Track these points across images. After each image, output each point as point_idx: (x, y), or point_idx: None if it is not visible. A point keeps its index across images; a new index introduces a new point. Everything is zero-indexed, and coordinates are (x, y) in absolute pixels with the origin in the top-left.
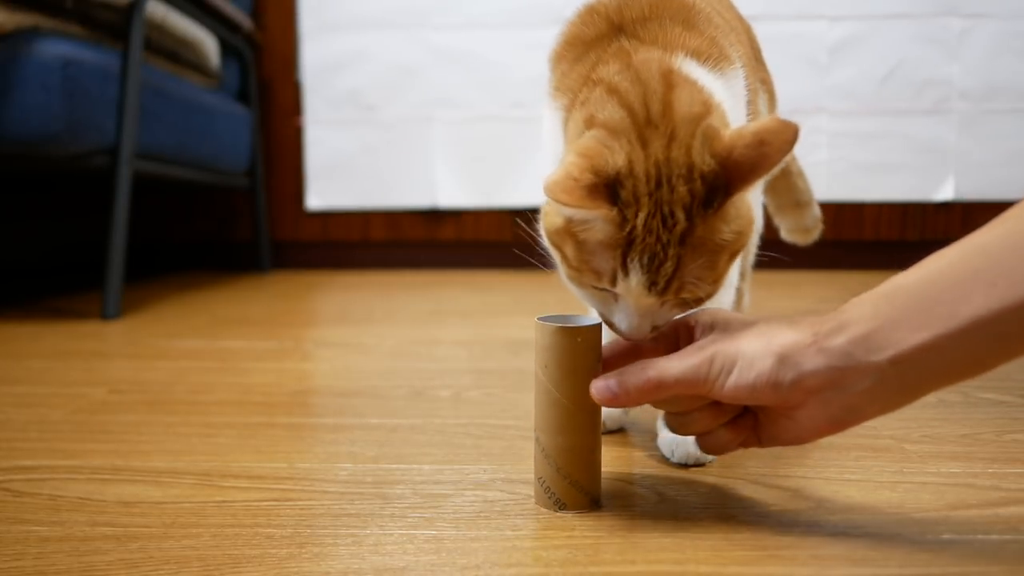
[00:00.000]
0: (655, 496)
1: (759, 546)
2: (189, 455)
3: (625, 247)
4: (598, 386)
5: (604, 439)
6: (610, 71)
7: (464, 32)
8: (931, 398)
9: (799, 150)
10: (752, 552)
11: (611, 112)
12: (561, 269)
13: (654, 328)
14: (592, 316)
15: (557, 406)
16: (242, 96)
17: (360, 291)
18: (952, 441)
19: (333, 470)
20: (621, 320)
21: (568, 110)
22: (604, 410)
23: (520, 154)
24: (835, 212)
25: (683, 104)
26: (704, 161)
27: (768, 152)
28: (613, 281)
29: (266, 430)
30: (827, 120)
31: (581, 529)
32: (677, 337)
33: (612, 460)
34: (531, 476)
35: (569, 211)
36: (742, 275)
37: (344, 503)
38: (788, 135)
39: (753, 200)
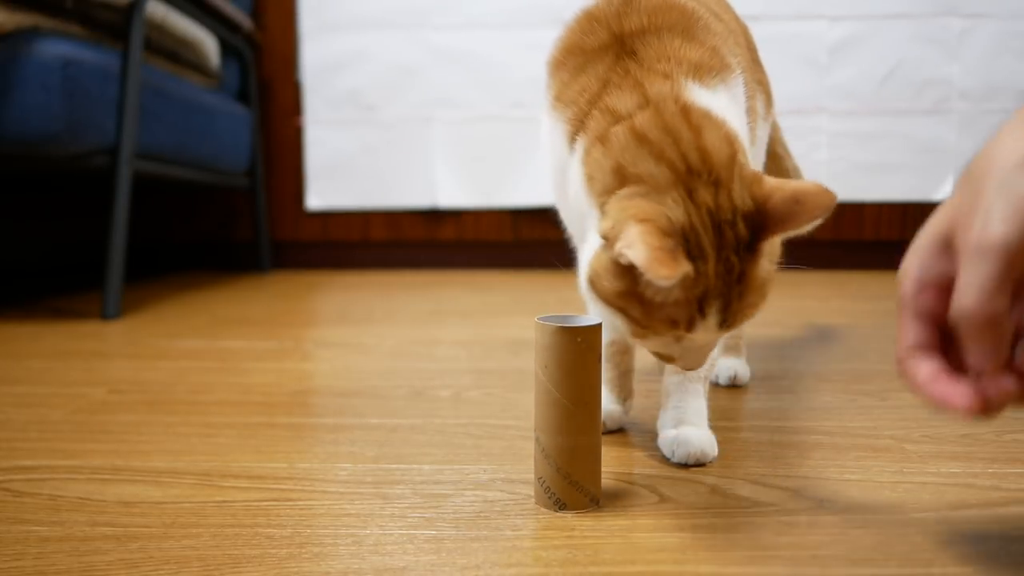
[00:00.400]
0: (655, 496)
1: (759, 546)
2: (189, 455)
3: (702, 297)
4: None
5: (604, 439)
6: (627, 106)
7: (464, 32)
8: None
9: (799, 150)
10: (752, 552)
11: (648, 166)
12: (625, 327)
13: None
14: (592, 316)
15: (557, 406)
16: (242, 96)
17: (360, 291)
18: (952, 441)
19: (333, 470)
20: (687, 358)
21: (574, 126)
22: (604, 410)
23: (520, 154)
24: (835, 212)
25: (716, 148)
26: (745, 203)
27: (801, 211)
28: (690, 327)
29: (266, 430)
30: (827, 120)
31: (581, 529)
32: None
33: (612, 460)
34: (531, 476)
35: (661, 281)
36: None
37: (344, 503)
38: (825, 201)
39: None
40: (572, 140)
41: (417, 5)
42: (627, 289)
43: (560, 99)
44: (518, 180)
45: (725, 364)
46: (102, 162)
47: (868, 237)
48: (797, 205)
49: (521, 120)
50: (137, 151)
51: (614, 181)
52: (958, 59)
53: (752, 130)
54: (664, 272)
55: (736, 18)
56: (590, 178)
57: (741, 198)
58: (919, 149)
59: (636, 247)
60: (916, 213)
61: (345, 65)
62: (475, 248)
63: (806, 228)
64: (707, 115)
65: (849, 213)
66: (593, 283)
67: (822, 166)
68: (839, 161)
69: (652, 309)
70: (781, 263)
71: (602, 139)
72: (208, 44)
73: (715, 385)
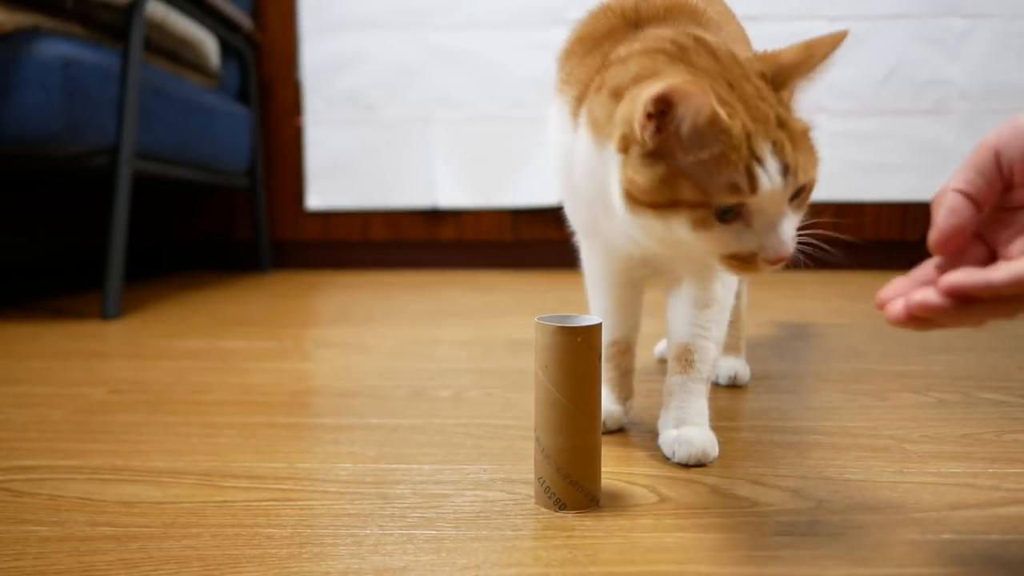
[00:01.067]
0: (655, 496)
1: (759, 546)
2: (189, 455)
3: (748, 140)
4: (944, 286)
5: (604, 439)
6: (632, 46)
7: (464, 32)
8: (931, 398)
9: None
10: (752, 552)
11: (647, 60)
12: (683, 230)
13: (792, 241)
14: (592, 316)
15: (557, 406)
16: (242, 96)
17: (360, 291)
18: (952, 441)
19: (333, 470)
20: (770, 238)
21: (579, 100)
22: (604, 410)
23: (520, 154)
24: (835, 212)
25: (718, 43)
26: (753, 66)
27: (814, 52)
28: (753, 180)
29: (266, 430)
30: (827, 120)
31: (581, 529)
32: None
33: (612, 460)
34: (531, 476)
35: (695, 102)
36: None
37: (344, 503)
38: (835, 38)
39: None
40: (576, 115)
41: (417, 5)
42: (668, 171)
43: (566, 81)
44: (518, 180)
45: (725, 364)
46: (102, 162)
47: (868, 237)
48: (810, 48)
49: (521, 120)
50: (137, 151)
51: (614, 102)
52: (958, 59)
53: None
54: (698, 94)
55: (741, 29)
56: (594, 122)
57: (750, 63)
58: (919, 149)
59: (658, 83)
60: (916, 213)
61: (345, 65)
62: (475, 248)
63: (821, 67)
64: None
65: (849, 213)
66: (631, 194)
67: (822, 166)
68: (839, 161)
69: (704, 176)
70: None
71: (600, 86)
72: (208, 44)
73: (715, 385)
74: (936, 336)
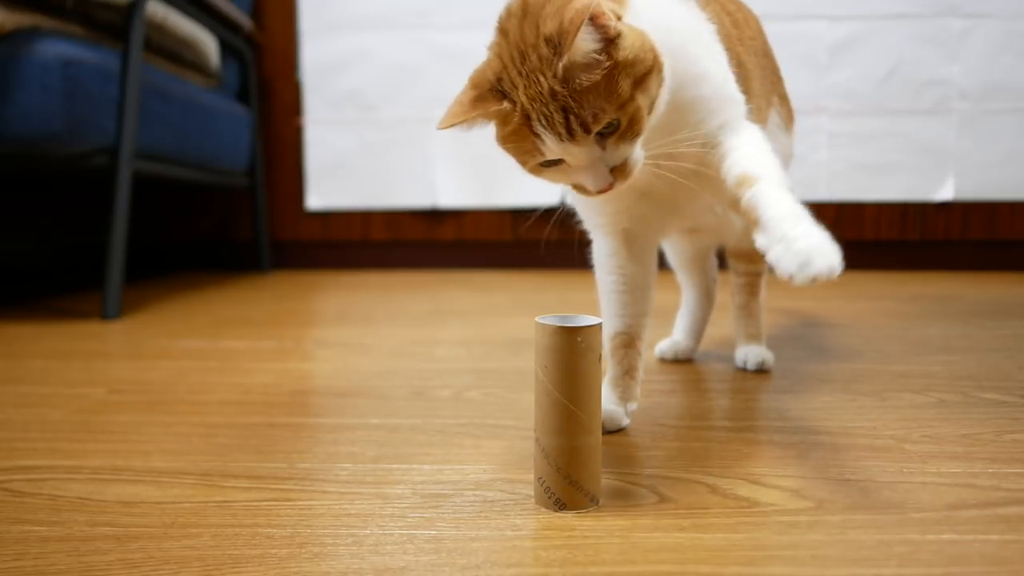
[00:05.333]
0: (655, 496)
1: (759, 546)
2: (189, 455)
3: (527, 121)
4: None
5: (604, 439)
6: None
7: (464, 32)
8: (931, 398)
9: (799, 150)
10: (752, 552)
11: (501, 28)
12: (525, 172)
13: (614, 170)
14: (592, 316)
15: (557, 406)
16: (242, 96)
17: (360, 291)
18: (952, 441)
19: (333, 470)
20: (582, 177)
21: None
22: (604, 411)
23: None
24: (835, 212)
25: (554, 2)
26: (547, 27)
27: (569, 29)
28: (540, 151)
29: (266, 430)
30: (827, 120)
31: (581, 529)
32: None
33: (612, 460)
34: (531, 476)
35: (466, 125)
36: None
37: (344, 503)
38: (579, 18)
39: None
40: None
41: (417, 5)
42: (497, 139)
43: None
44: (518, 180)
45: (752, 352)
46: (102, 162)
47: (868, 237)
48: (570, 24)
49: None
50: (137, 151)
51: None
52: (958, 59)
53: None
54: (451, 120)
55: (762, 34)
56: None
57: (546, 24)
58: (919, 149)
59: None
60: (916, 213)
61: (345, 65)
62: (475, 248)
63: (576, 46)
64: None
65: (849, 213)
66: (442, 123)
67: (822, 166)
68: (839, 161)
69: (515, 146)
70: None
71: None
72: (208, 44)
73: (743, 371)
74: (936, 336)
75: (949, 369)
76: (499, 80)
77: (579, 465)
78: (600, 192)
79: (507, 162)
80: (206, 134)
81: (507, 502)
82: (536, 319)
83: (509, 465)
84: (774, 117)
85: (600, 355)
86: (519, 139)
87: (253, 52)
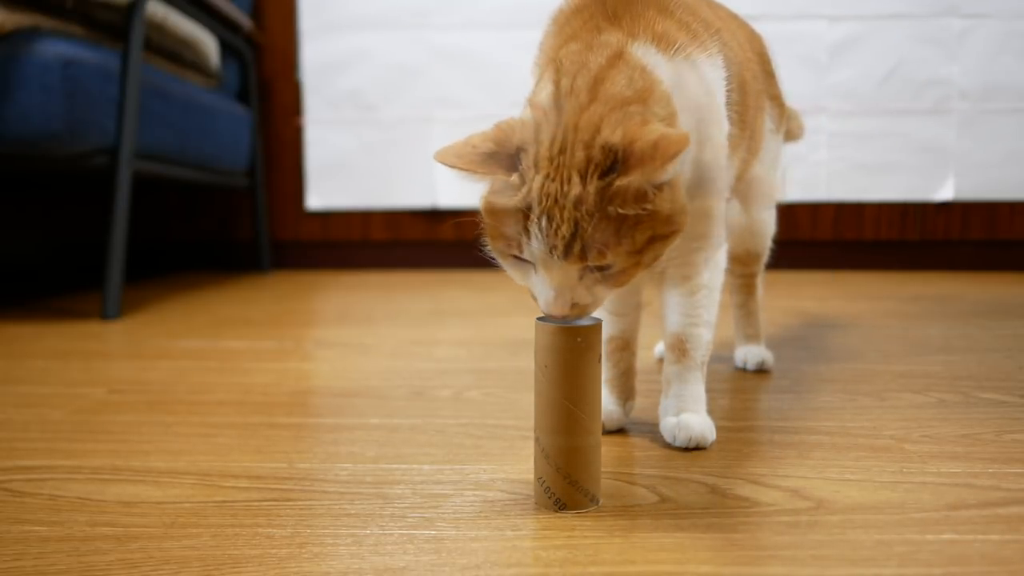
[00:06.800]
0: (655, 496)
1: (759, 546)
2: (189, 455)
3: (526, 210)
4: None
5: (604, 439)
6: (570, 50)
7: (464, 32)
8: (931, 398)
9: (800, 149)
10: (752, 552)
11: (542, 88)
12: (488, 243)
13: (575, 306)
14: (592, 316)
15: (557, 406)
16: (242, 96)
17: (360, 291)
18: (952, 441)
19: (333, 470)
20: (539, 292)
21: (534, 77)
22: (604, 411)
23: None
24: (835, 212)
25: (615, 84)
26: (613, 134)
27: (656, 156)
28: (519, 247)
29: (266, 430)
30: (827, 120)
31: (581, 529)
32: None
33: (612, 460)
34: (531, 476)
35: (462, 174)
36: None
37: (344, 503)
38: (674, 148)
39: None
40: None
41: (417, 5)
42: (484, 197)
43: (537, 63)
44: None
45: (752, 352)
46: (102, 162)
47: (868, 237)
48: (656, 150)
49: None
50: (137, 151)
51: (527, 105)
52: (958, 59)
53: (740, 119)
54: (453, 161)
55: (750, 33)
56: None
57: (611, 129)
58: (919, 149)
59: (454, 141)
60: (916, 213)
61: (345, 65)
62: (475, 248)
63: (657, 173)
64: (638, 65)
65: (849, 213)
66: (442, 154)
67: (822, 166)
68: (839, 161)
69: (496, 219)
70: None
71: (539, 80)
72: (208, 44)
73: (742, 371)
74: (936, 336)
75: (949, 369)
76: (522, 150)
77: (579, 465)
78: (548, 314)
79: None
80: (206, 134)
81: (507, 502)
82: (536, 319)
83: (509, 465)
84: (767, 123)
85: (600, 355)
86: (504, 220)
87: (253, 52)
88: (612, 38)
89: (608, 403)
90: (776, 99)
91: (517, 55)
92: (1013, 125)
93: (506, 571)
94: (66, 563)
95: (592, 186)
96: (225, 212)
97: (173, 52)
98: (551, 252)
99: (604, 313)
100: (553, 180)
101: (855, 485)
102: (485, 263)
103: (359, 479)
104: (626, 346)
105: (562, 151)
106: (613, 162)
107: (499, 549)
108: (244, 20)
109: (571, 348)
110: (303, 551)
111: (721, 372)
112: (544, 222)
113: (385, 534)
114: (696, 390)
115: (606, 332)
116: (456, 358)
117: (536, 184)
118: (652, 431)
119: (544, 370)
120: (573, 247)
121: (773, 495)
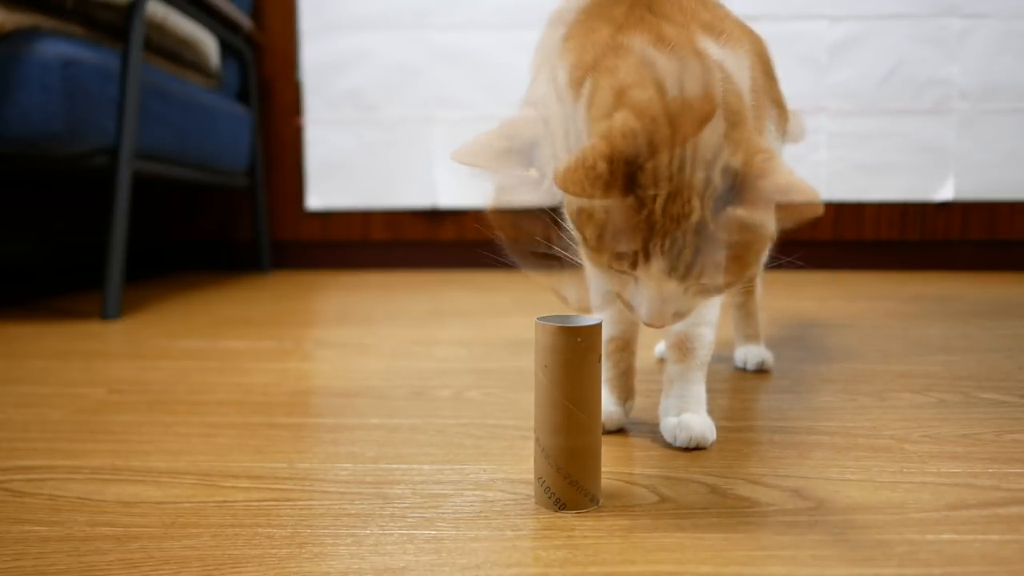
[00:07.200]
0: (655, 496)
1: (759, 546)
2: (189, 455)
3: (646, 232)
4: None
5: (604, 439)
6: (640, 42)
7: (464, 32)
8: (931, 398)
9: (799, 150)
10: (752, 552)
11: (643, 90)
12: (582, 249)
13: (675, 315)
14: (592, 316)
15: (557, 406)
16: (242, 96)
17: (360, 291)
18: (952, 441)
19: (333, 470)
20: (641, 304)
21: (581, 69)
22: (604, 411)
23: None
24: (835, 212)
25: (724, 93)
26: (734, 157)
27: (786, 207)
28: (634, 265)
29: (266, 430)
30: (827, 120)
31: (581, 529)
32: None
33: (612, 460)
34: (531, 476)
35: (583, 200)
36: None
37: (344, 503)
38: (810, 210)
39: None
40: (579, 83)
41: (417, 5)
42: (585, 207)
43: (566, 48)
44: None
45: (751, 352)
46: (102, 162)
47: (868, 237)
48: (784, 196)
49: None
50: (137, 151)
51: (613, 103)
52: (958, 59)
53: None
54: (573, 188)
55: (745, 27)
56: (591, 106)
57: (732, 151)
58: (919, 149)
59: (569, 159)
60: (916, 213)
61: (345, 65)
62: (475, 248)
63: (778, 223)
64: (722, 65)
65: (849, 213)
66: (564, 201)
67: (822, 166)
68: (839, 161)
69: (604, 234)
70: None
71: (611, 70)
72: (208, 44)
73: (742, 371)
74: (936, 336)
75: (949, 369)
76: (640, 166)
77: (579, 465)
78: (648, 324)
79: None
80: (206, 134)
81: (507, 502)
82: (536, 319)
83: (509, 465)
84: (769, 127)
85: (600, 355)
86: (615, 236)
87: (253, 52)
88: (679, 33)
89: (608, 403)
90: (777, 102)
91: (517, 55)
92: (1013, 125)
93: (506, 571)
94: (66, 563)
95: (709, 211)
96: (225, 212)
97: (173, 52)
98: (668, 273)
99: (605, 313)
100: (674, 202)
101: (855, 485)
102: (485, 263)
103: (359, 479)
104: (626, 346)
105: (681, 168)
106: (731, 186)
107: (499, 549)
108: (244, 20)
109: (571, 348)
110: (303, 551)
111: (721, 372)
112: (668, 245)
113: (385, 534)
114: (698, 390)
115: (607, 332)
116: (456, 358)
117: (659, 205)
118: (652, 431)
119: (544, 370)
120: (693, 270)
121: (773, 495)
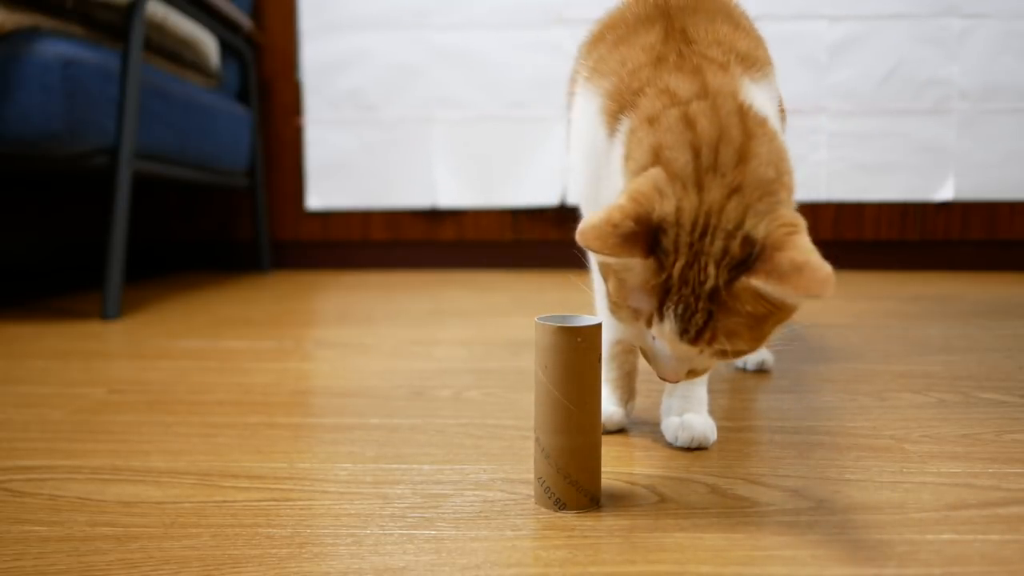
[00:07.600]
0: (655, 496)
1: (759, 546)
2: (189, 455)
3: (662, 294)
4: None
5: (604, 439)
6: (686, 91)
7: (464, 32)
8: (931, 398)
9: (799, 150)
10: (752, 552)
11: (679, 153)
12: (605, 300)
13: (691, 372)
14: (592, 316)
15: (557, 406)
16: (242, 96)
17: (360, 291)
18: (952, 441)
19: (333, 470)
20: (658, 361)
21: (617, 102)
22: (604, 411)
23: (520, 154)
24: (835, 212)
25: (759, 163)
26: (756, 227)
27: (796, 281)
28: (649, 323)
29: (266, 430)
30: (827, 120)
31: (581, 529)
32: None
33: (612, 460)
34: (531, 476)
35: (603, 258)
36: None
37: (344, 503)
38: (821, 287)
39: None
40: (615, 118)
41: (417, 5)
42: (606, 262)
43: (597, 71)
44: (518, 180)
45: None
46: (102, 162)
47: (868, 237)
48: (798, 273)
49: (521, 120)
50: (137, 151)
51: (649, 159)
52: (958, 59)
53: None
54: (595, 245)
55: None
56: (628, 157)
57: (754, 222)
58: (919, 149)
59: (595, 216)
60: (916, 213)
61: (345, 65)
62: (475, 248)
63: (784, 298)
64: (764, 123)
65: (849, 213)
66: (584, 236)
67: (822, 166)
68: (839, 161)
69: (623, 290)
70: None
71: (652, 120)
72: (208, 44)
73: (742, 371)
74: (936, 336)
75: (949, 369)
76: (663, 230)
77: (579, 465)
78: (662, 379)
79: (506, 162)
80: (206, 134)
81: (507, 502)
82: (536, 319)
83: (509, 465)
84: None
85: (600, 355)
86: (633, 293)
87: (253, 52)
88: (725, 81)
89: (609, 403)
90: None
91: (517, 55)
92: (1013, 125)
93: (506, 571)
94: (66, 563)
95: (724, 278)
96: (225, 212)
97: (173, 52)
98: (681, 337)
99: (608, 323)
100: (691, 267)
101: (855, 485)
102: (485, 263)
103: (359, 479)
104: (631, 349)
105: (703, 236)
106: (748, 255)
107: (499, 549)
108: (244, 20)
109: (572, 348)
110: (303, 551)
111: (721, 372)
112: (680, 308)
113: (385, 534)
114: (700, 391)
115: (613, 335)
116: (456, 358)
117: (676, 270)
118: (653, 431)
119: (545, 370)
120: (704, 334)
121: (773, 495)
